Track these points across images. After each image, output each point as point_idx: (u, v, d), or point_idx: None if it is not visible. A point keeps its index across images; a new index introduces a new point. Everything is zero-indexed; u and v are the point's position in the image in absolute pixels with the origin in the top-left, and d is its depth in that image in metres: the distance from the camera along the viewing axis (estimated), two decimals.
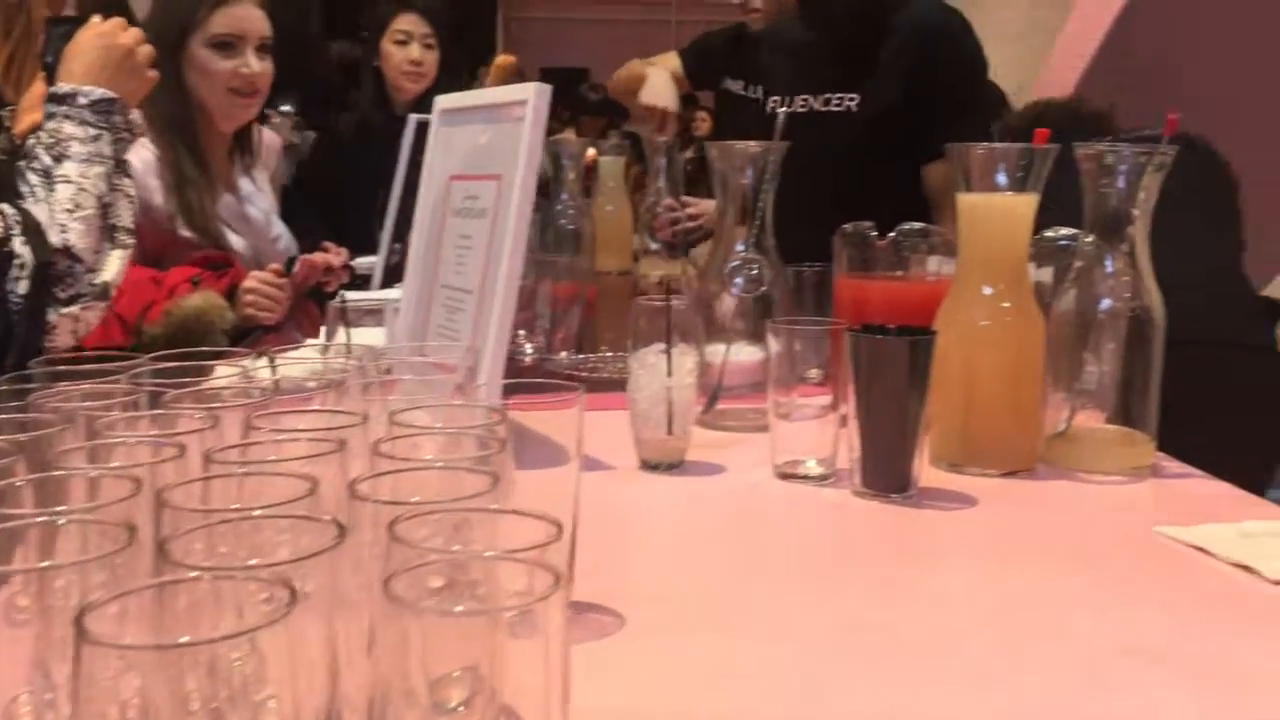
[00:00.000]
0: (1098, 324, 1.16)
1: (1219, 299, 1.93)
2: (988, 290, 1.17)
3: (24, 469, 0.56)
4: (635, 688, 0.72)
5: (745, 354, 1.34)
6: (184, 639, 0.39)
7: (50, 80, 1.49)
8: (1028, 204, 1.17)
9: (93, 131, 1.44)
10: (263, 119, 2.26)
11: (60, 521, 0.49)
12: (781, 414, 1.14)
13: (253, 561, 0.45)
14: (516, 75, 3.30)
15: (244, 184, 2.16)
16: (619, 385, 1.23)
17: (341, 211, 2.56)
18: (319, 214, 2.61)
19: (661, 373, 1.16)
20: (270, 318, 1.92)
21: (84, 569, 0.46)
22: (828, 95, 2.24)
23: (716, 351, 1.34)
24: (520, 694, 0.43)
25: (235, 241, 2.06)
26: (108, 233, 1.45)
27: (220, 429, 0.63)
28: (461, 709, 0.45)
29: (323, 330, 1.45)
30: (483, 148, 1.21)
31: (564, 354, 1.70)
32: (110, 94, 1.46)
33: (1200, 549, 0.94)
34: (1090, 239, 1.17)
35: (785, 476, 1.14)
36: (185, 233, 2.00)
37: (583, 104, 7.55)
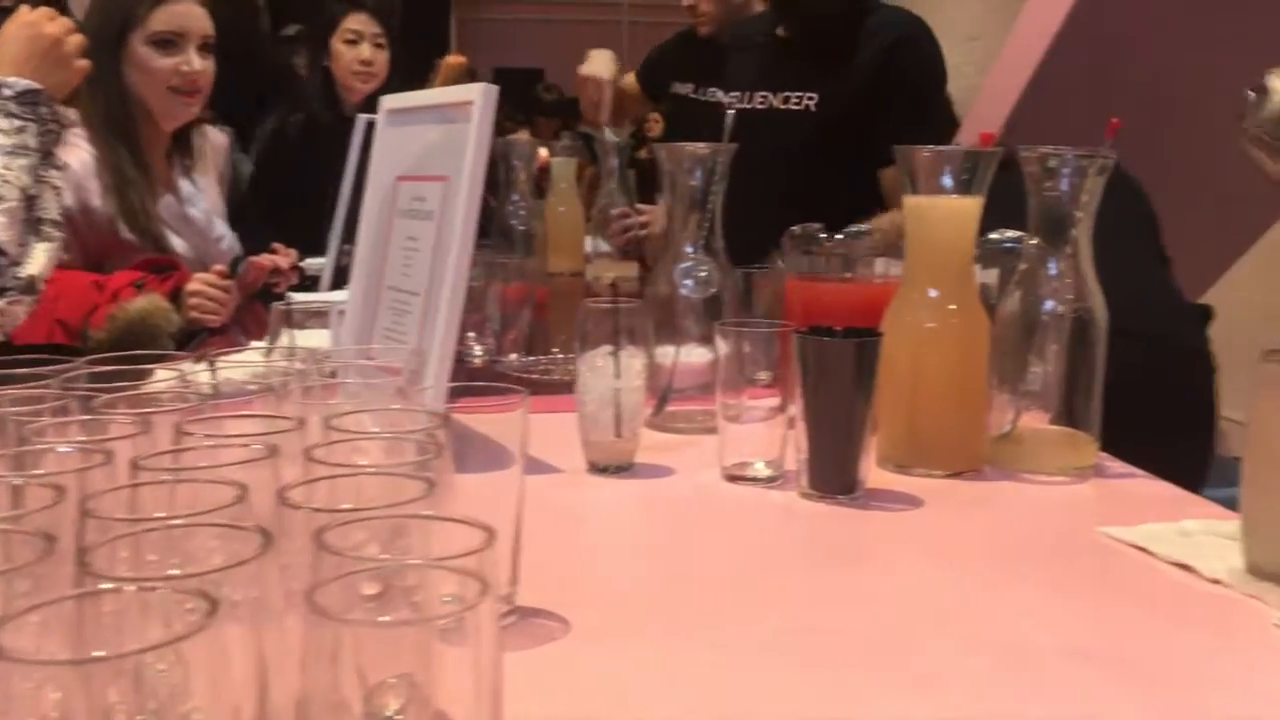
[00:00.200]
0: (1042, 325, 1.17)
1: (1155, 302, 1.95)
2: (934, 292, 1.18)
3: None
4: (579, 694, 0.71)
5: (695, 356, 1.34)
6: (99, 653, 0.38)
7: None
8: (973, 206, 1.18)
9: (17, 123, 1.41)
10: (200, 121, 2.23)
11: None
12: (730, 416, 1.14)
13: (174, 572, 0.44)
14: (468, 75, 3.29)
15: (184, 185, 2.13)
16: (570, 387, 1.22)
17: (290, 212, 2.53)
18: (268, 215, 2.58)
19: (609, 375, 1.16)
20: (216, 320, 1.89)
21: (7, 579, 0.45)
22: (787, 93, 2.25)
23: (666, 353, 1.34)
24: (453, 701, 0.43)
25: (177, 243, 2.03)
26: (33, 225, 1.42)
27: (152, 435, 0.62)
28: (399, 717, 0.45)
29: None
30: (429, 149, 1.20)
31: (514, 356, 1.69)
32: (35, 85, 1.44)
33: (1141, 548, 0.95)
34: (1034, 241, 1.19)
35: (733, 479, 1.14)
36: (127, 235, 1.96)
37: (537, 104, 7.54)
